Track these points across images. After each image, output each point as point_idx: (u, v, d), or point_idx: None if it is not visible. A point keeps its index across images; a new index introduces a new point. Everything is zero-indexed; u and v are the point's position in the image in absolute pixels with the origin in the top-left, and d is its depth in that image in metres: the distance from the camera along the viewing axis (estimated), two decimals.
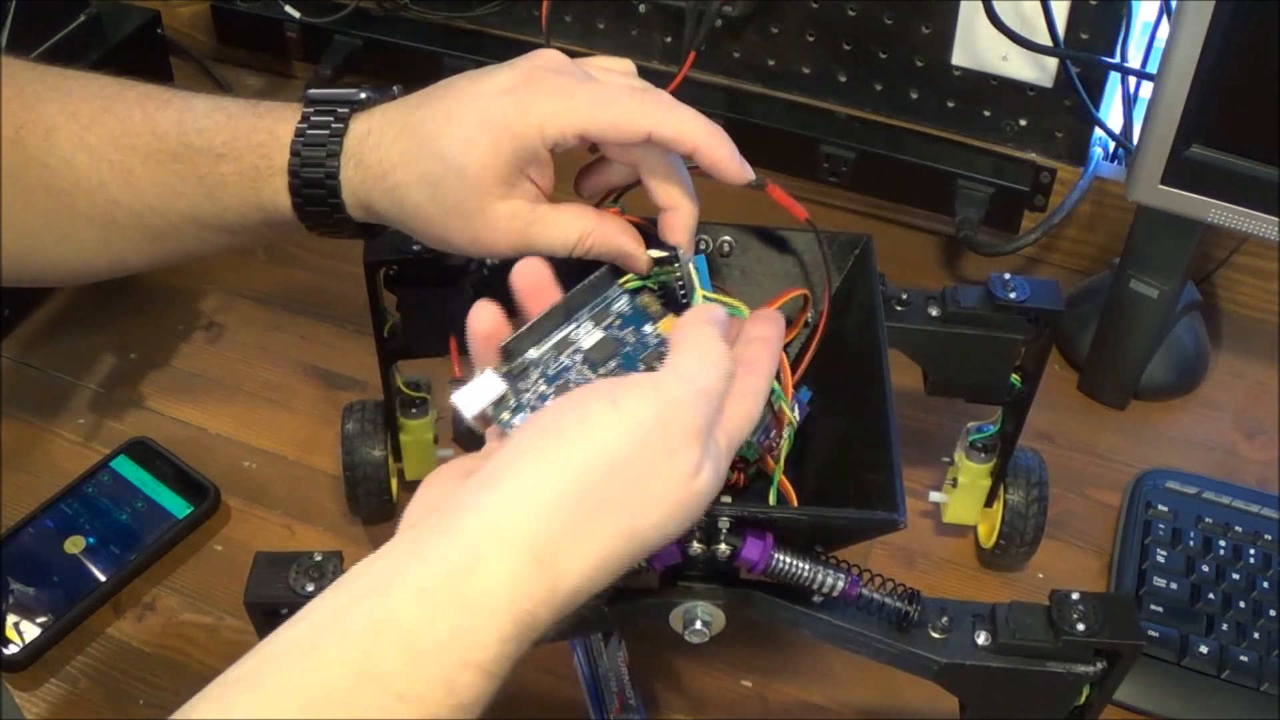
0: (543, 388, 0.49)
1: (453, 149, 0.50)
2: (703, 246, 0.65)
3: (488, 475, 0.42)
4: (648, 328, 0.51)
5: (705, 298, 0.54)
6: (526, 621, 0.40)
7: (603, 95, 0.50)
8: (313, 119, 0.53)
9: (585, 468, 0.41)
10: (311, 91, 0.54)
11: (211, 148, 0.54)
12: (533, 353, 0.50)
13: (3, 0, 0.83)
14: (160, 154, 0.54)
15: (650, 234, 0.55)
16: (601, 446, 0.42)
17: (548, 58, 0.53)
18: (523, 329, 0.50)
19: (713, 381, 0.45)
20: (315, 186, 0.53)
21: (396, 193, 0.52)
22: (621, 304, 0.52)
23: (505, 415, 0.49)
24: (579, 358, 0.50)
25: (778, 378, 0.57)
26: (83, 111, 0.55)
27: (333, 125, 0.53)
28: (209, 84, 1.07)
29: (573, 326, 0.51)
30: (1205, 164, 0.68)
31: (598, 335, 0.51)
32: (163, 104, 0.55)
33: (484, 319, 0.49)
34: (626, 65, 0.55)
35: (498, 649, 0.39)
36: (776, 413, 0.57)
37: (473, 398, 0.48)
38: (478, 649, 0.39)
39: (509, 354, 0.50)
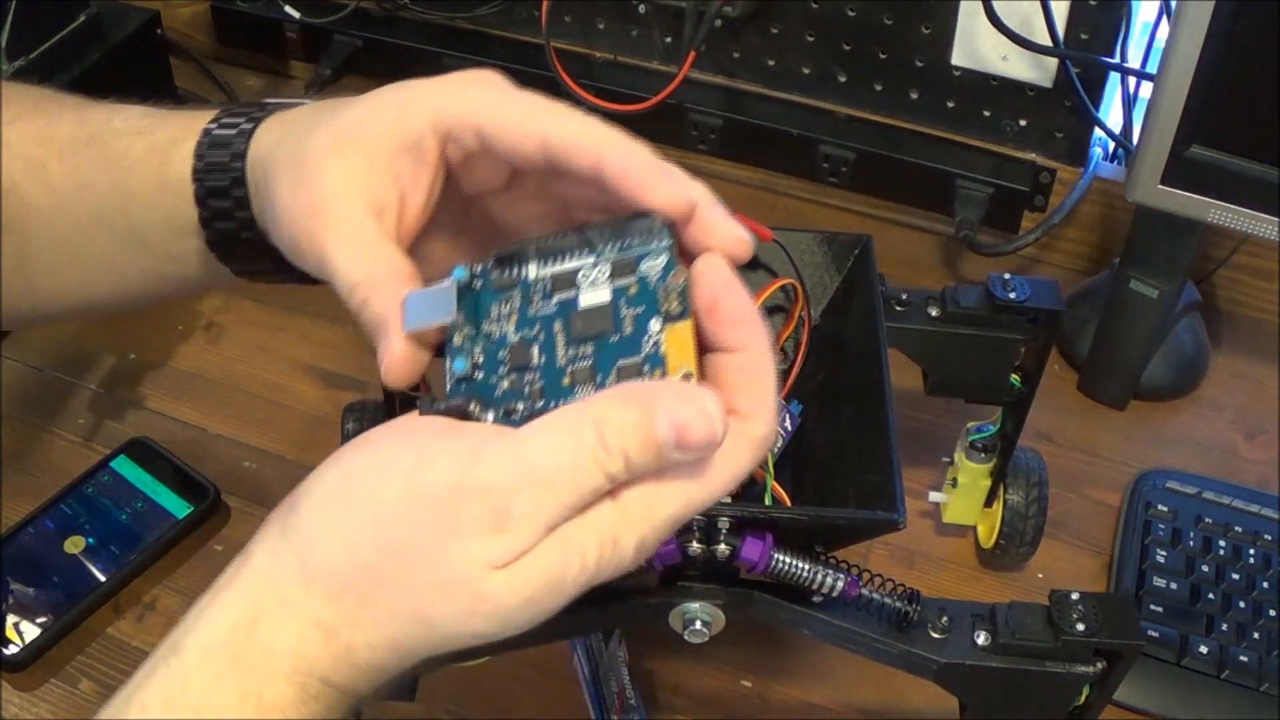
0: (509, 329, 0.40)
1: (351, 105, 0.44)
2: None
3: (290, 512, 0.38)
4: (653, 324, 0.38)
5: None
6: (320, 689, 0.37)
7: (505, 95, 0.43)
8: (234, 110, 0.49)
9: (361, 536, 0.37)
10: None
11: (133, 127, 0.50)
12: (532, 271, 0.40)
13: (3, 0, 0.83)
14: (77, 141, 0.50)
15: None
16: (383, 512, 0.36)
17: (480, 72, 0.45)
18: (534, 239, 0.40)
19: (563, 468, 0.35)
20: (221, 148, 0.47)
21: (274, 153, 0.46)
22: (654, 266, 0.39)
23: (460, 353, 0.40)
24: (565, 312, 0.39)
25: None
26: (8, 110, 0.52)
27: (253, 114, 0.48)
28: (209, 84, 1.07)
29: (588, 261, 0.39)
30: (1205, 164, 0.68)
31: (603, 295, 0.39)
32: (99, 106, 0.52)
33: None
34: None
35: (299, 712, 0.37)
36: None
37: (419, 308, 0.40)
38: (274, 711, 0.36)
39: (501, 263, 0.41)
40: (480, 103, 0.42)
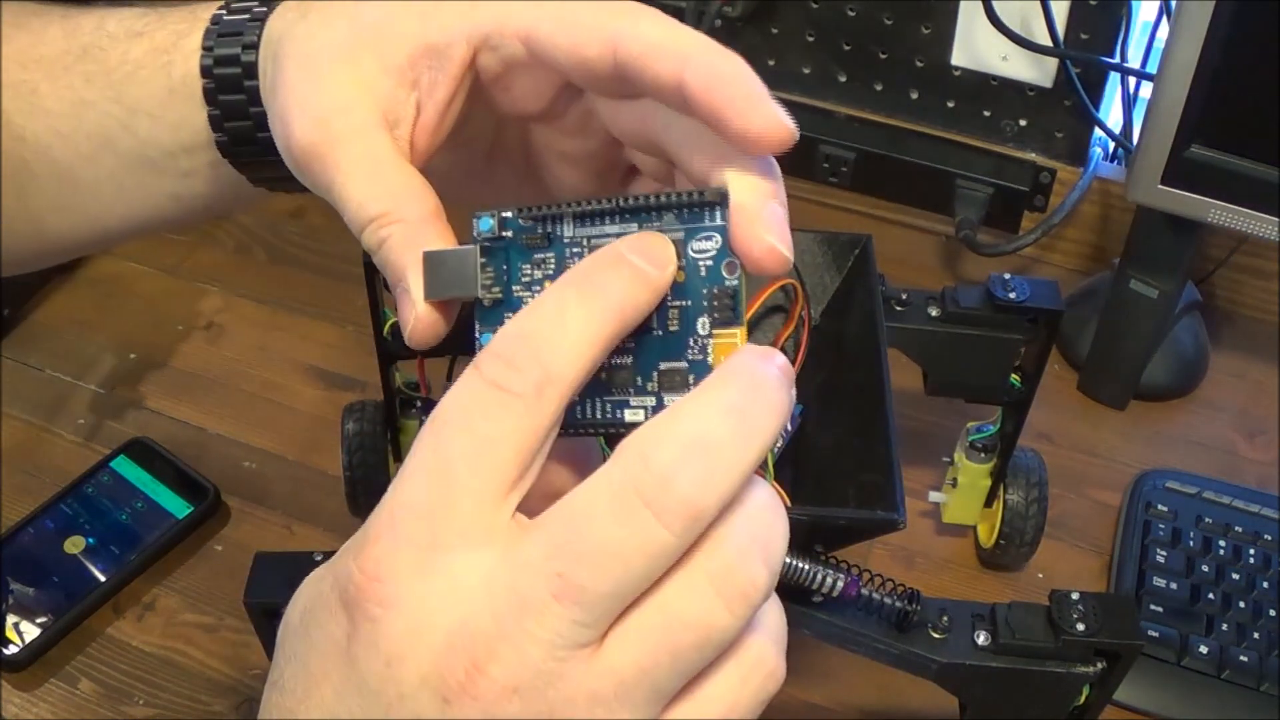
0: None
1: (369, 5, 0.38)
2: None
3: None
4: (701, 324, 0.33)
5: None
6: None
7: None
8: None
9: None
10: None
11: (130, 29, 0.45)
12: (567, 230, 0.35)
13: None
14: (68, 55, 0.45)
15: None
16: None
17: None
18: (575, 201, 0.35)
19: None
20: (232, 37, 0.42)
21: (280, 41, 0.40)
22: (704, 250, 0.33)
23: (488, 322, 0.36)
24: None
25: None
26: None
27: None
28: None
29: (632, 228, 0.34)
30: (1205, 164, 0.68)
31: None
32: (89, 12, 0.46)
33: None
34: None
35: None
36: None
37: (440, 274, 0.36)
38: None
39: (532, 219, 0.35)
40: (530, 3, 0.36)
